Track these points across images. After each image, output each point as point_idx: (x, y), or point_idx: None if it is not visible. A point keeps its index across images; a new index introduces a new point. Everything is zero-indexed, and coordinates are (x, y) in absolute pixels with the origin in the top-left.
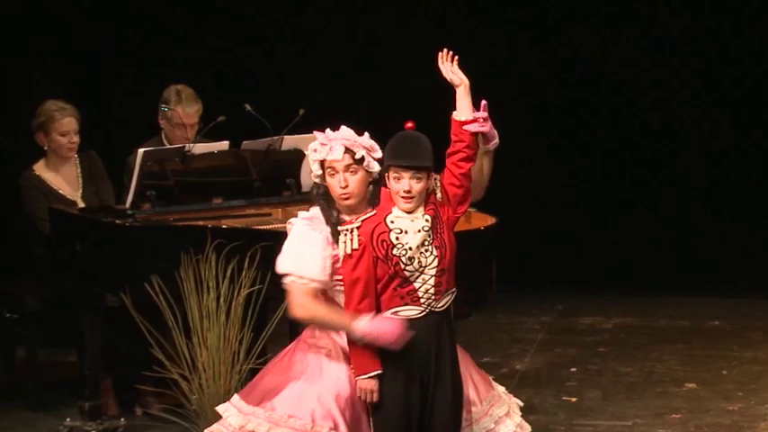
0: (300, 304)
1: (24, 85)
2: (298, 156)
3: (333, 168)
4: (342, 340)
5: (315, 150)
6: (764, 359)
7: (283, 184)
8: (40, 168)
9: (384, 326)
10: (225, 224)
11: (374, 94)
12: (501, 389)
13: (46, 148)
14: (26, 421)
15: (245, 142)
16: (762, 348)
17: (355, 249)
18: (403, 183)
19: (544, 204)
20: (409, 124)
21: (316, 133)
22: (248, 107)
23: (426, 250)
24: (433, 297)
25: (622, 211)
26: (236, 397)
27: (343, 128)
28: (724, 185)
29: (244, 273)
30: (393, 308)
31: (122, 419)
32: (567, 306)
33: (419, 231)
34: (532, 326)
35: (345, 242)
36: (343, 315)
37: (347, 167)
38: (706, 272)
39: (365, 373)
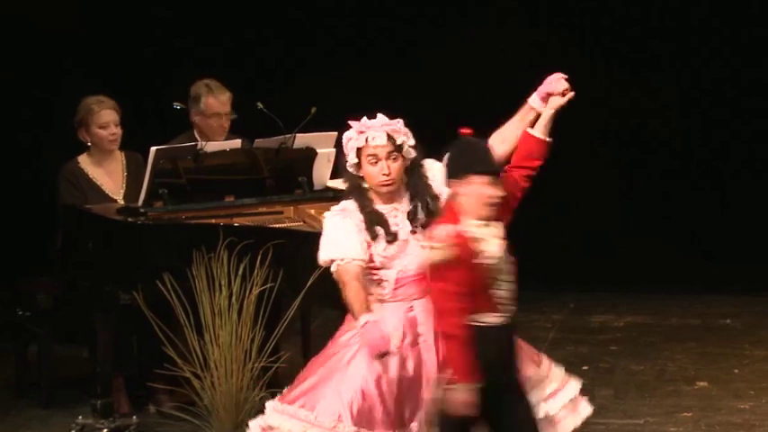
0: (350, 287)
1: (56, 84)
2: (310, 154)
3: (375, 156)
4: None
5: (351, 138)
6: None
7: (295, 182)
8: (84, 161)
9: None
10: (237, 222)
11: (386, 93)
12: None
13: (89, 143)
14: (39, 419)
15: (257, 140)
16: None
17: (444, 260)
18: (489, 190)
19: (555, 203)
20: (467, 130)
21: (351, 122)
22: (260, 105)
23: (506, 257)
24: (510, 304)
25: (633, 209)
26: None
27: (380, 115)
28: (737, 182)
29: (256, 271)
30: (476, 314)
31: (134, 417)
32: (578, 304)
33: (498, 239)
34: (544, 324)
35: (436, 253)
36: (361, 305)
37: (389, 154)
38: (718, 270)
39: (468, 383)
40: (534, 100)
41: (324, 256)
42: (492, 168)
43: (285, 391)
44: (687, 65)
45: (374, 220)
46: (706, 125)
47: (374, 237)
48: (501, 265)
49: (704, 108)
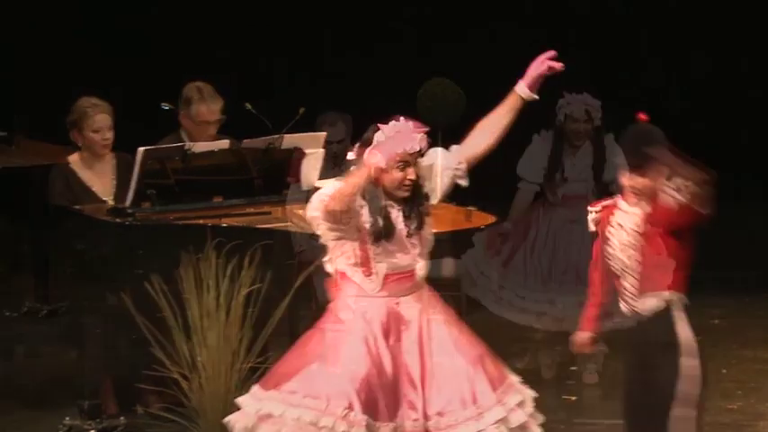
0: (330, 197)
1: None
2: (298, 155)
3: (406, 162)
4: (360, 321)
5: (389, 140)
6: (764, 358)
7: (283, 182)
8: (74, 162)
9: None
10: (225, 223)
11: (373, 91)
12: (515, 378)
13: (80, 144)
14: (26, 420)
15: (245, 141)
16: (762, 347)
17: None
18: None
19: None
20: (643, 116)
21: (381, 125)
22: (248, 106)
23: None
24: (633, 297)
25: None
26: (253, 387)
27: (402, 119)
28: (731, 181)
29: (244, 271)
30: None
31: (122, 418)
32: None
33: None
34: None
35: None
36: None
37: (415, 160)
38: (706, 270)
39: None
40: (522, 89)
41: (315, 198)
42: None
43: (271, 380)
44: (686, 63)
45: (380, 211)
46: (706, 124)
47: (376, 227)
48: (622, 257)
49: (705, 106)
